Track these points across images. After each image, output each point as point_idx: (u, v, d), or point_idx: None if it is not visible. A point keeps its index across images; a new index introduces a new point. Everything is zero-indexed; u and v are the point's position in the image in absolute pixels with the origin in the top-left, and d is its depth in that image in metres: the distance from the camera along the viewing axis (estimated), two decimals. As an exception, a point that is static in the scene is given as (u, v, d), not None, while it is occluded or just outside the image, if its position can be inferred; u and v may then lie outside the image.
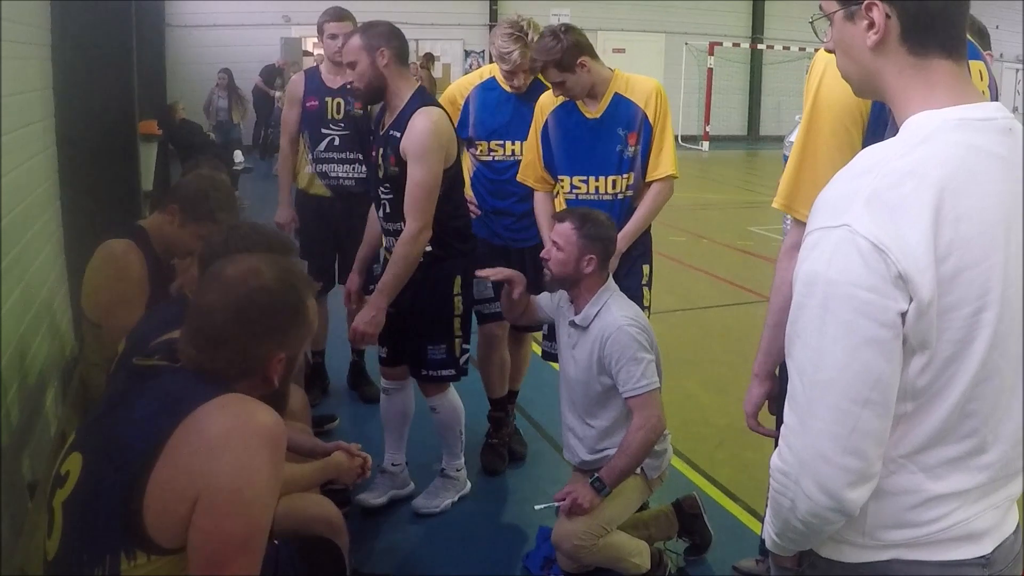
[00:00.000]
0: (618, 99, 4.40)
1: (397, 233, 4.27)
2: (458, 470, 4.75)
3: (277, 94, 18.74)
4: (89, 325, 3.93)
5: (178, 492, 2.06)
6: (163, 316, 3.27)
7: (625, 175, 4.40)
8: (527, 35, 4.61)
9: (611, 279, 3.96)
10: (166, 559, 2.10)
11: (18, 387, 3.50)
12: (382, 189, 4.36)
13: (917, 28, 1.67)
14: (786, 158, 3.03)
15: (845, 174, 1.67)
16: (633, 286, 4.48)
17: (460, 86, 5.07)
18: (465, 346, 4.49)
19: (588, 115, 4.41)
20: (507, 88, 4.84)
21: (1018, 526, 1.83)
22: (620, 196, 4.43)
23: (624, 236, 4.38)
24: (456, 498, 4.74)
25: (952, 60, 1.68)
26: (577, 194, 4.46)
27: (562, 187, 4.52)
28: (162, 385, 2.27)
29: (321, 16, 5.67)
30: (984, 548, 1.72)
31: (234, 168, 14.57)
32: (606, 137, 4.39)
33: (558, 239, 3.84)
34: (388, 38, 4.24)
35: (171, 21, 20.22)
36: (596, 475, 3.78)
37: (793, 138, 2.88)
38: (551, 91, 4.54)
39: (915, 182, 1.56)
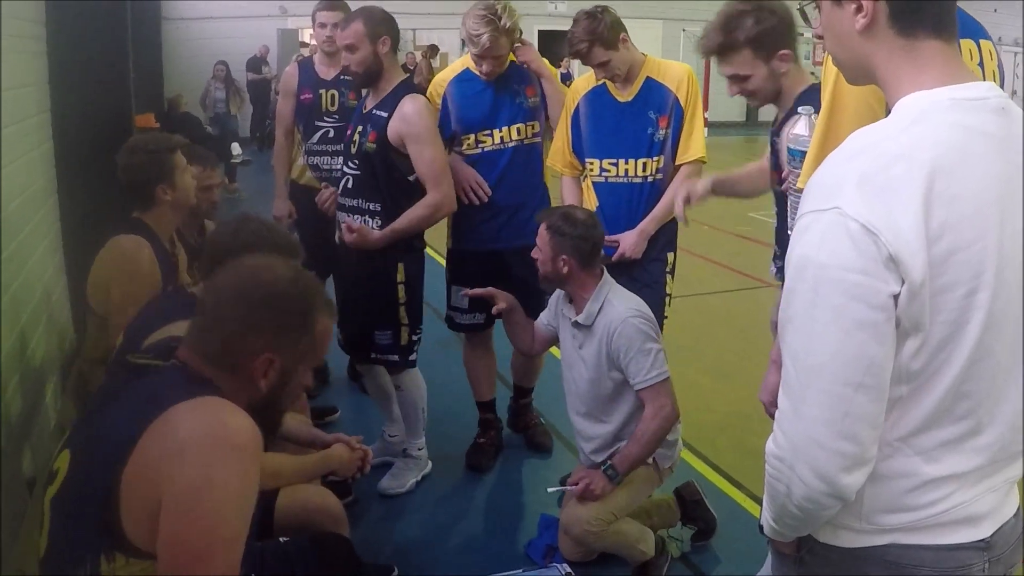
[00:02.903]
0: (650, 83, 4.44)
1: (353, 210, 4.45)
2: (420, 449, 4.83)
3: (269, 77, 18.91)
4: (94, 319, 3.92)
5: (145, 494, 2.02)
6: (160, 309, 3.27)
7: (655, 158, 4.42)
8: (500, 19, 4.46)
9: (606, 273, 3.93)
10: (145, 562, 2.05)
11: (17, 381, 3.49)
12: (349, 165, 4.49)
13: (905, 9, 1.65)
14: (790, 151, 2.99)
15: (837, 156, 1.65)
16: (656, 271, 4.51)
17: (436, 84, 4.90)
18: (414, 336, 4.56)
19: (620, 98, 4.44)
20: (483, 76, 4.72)
21: (1018, 509, 1.82)
22: (650, 179, 4.45)
23: (652, 219, 4.43)
24: (419, 477, 4.81)
25: (942, 40, 1.66)
26: (607, 177, 4.48)
27: (591, 170, 4.53)
28: (146, 383, 2.23)
29: (316, 6, 5.65)
30: (983, 531, 1.71)
31: (232, 160, 14.56)
32: (638, 120, 4.41)
33: (538, 240, 3.85)
34: (388, 26, 4.36)
35: (167, 14, 20.15)
36: (609, 463, 3.79)
37: (798, 130, 2.85)
38: (583, 76, 4.61)
39: (906, 164, 1.55)
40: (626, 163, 4.43)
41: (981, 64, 2.53)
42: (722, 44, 3.27)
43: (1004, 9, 24.32)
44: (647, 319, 3.80)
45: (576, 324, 3.91)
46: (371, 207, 4.41)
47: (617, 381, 3.82)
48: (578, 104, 4.55)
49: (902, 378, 1.61)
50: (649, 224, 4.40)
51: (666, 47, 25.36)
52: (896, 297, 1.53)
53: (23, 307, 3.76)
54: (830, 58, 2.48)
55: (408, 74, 4.60)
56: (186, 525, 2.01)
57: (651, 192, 4.46)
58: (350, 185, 4.48)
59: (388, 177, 4.33)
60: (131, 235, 3.80)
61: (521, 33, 4.72)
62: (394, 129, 4.27)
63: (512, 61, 4.71)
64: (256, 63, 19.79)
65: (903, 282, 1.52)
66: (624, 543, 3.88)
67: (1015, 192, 1.62)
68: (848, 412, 1.58)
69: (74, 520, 2.08)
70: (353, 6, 5.03)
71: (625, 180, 4.46)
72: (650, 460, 3.89)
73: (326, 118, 5.57)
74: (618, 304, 3.81)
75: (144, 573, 2.08)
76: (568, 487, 3.90)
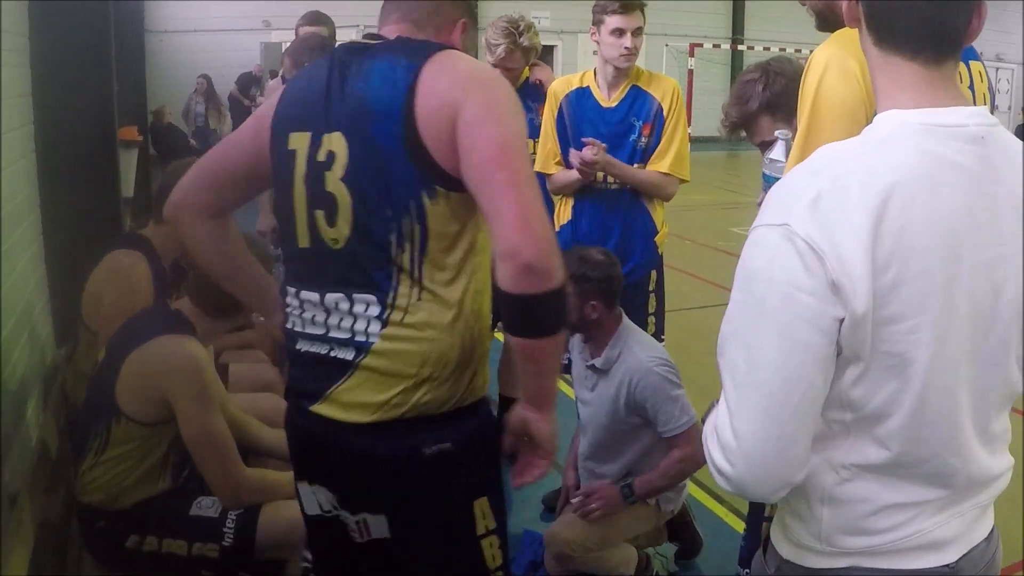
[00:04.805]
0: (636, 90, 4.45)
1: None
2: None
3: (247, 103, 18.71)
4: (86, 333, 3.91)
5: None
6: (143, 325, 3.27)
7: (637, 165, 4.42)
8: (520, 36, 4.58)
9: (625, 317, 3.86)
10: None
11: (-2, 397, 3.47)
12: None
13: (875, 22, 1.61)
14: (765, 176, 2.99)
15: (799, 170, 1.61)
16: (638, 291, 4.53)
17: None
18: None
19: (604, 104, 4.43)
20: None
21: (992, 531, 1.77)
22: (628, 185, 4.42)
23: (621, 168, 4.37)
24: None
25: (919, 63, 1.59)
26: (591, 183, 4.44)
27: None
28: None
29: (298, 20, 5.64)
30: (948, 557, 1.66)
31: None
32: (621, 126, 4.41)
33: None
34: (311, 52, 4.53)
35: (151, 27, 20.10)
36: (629, 480, 3.75)
37: (774, 155, 2.84)
38: (560, 79, 4.67)
39: (862, 187, 1.50)
40: None
41: (972, 87, 2.50)
42: (740, 117, 3.28)
43: (987, 24, 24.42)
44: (669, 365, 3.76)
45: (592, 367, 3.85)
46: None
47: (634, 425, 3.78)
48: (560, 105, 4.53)
49: (843, 404, 1.58)
50: (617, 167, 4.37)
51: (649, 61, 25.34)
52: (841, 322, 1.50)
53: (5, 321, 3.73)
54: (807, 79, 2.47)
55: None
56: None
57: (631, 199, 4.46)
58: None
59: None
60: (129, 250, 3.80)
61: (538, 52, 4.79)
62: None
63: (527, 79, 4.75)
64: (246, 81, 19.64)
65: (846, 308, 1.49)
66: (601, 567, 3.86)
67: (981, 225, 1.55)
68: (781, 434, 1.55)
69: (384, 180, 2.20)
70: (341, 20, 5.05)
71: (604, 186, 4.45)
72: (652, 501, 3.87)
73: None
74: (639, 352, 3.74)
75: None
76: (577, 496, 3.86)
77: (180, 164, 4.08)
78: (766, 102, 3.21)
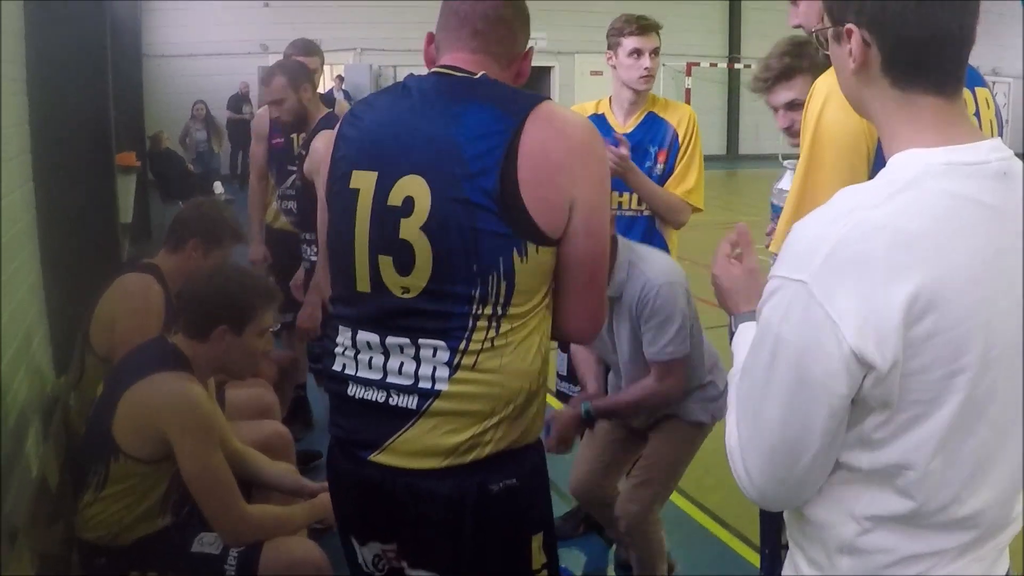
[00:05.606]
0: (651, 117, 4.46)
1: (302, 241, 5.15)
2: None
3: (247, 117, 18.77)
4: (95, 360, 3.89)
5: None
6: (140, 361, 3.25)
7: None
8: None
9: (622, 238, 3.71)
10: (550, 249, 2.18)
11: (-3, 429, 3.44)
12: (287, 201, 5.42)
13: (899, 61, 1.54)
14: (774, 207, 2.95)
15: (819, 215, 1.54)
16: None
17: None
18: None
19: (618, 129, 4.41)
20: None
21: (1008, 571, 1.72)
22: (645, 212, 4.40)
23: (640, 179, 4.30)
24: None
25: (943, 97, 1.54)
26: None
27: None
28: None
29: (288, 47, 5.60)
30: None
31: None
32: (636, 153, 4.34)
33: None
34: (308, 74, 4.91)
35: (148, 51, 20.15)
36: (590, 404, 3.69)
37: (783, 184, 2.81)
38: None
39: (887, 237, 1.43)
40: (620, 196, 4.35)
41: (977, 114, 2.47)
42: (789, 66, 3.24)
43: (981, 40, 24.52)
44: (678, 286, 3.60)
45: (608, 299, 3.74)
46: (307, 236, 5.04)
47: None
48: None
49: (863, 444, 1.54)
50: (637, 174, 4.28)
51: (646, 81, 25.44)
52: (852, 390, 1.47)
53: (4, 352, 3.70)
54: (809, 110, 2.43)
55: (328, 110, 5.03)
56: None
57: (646, 226, 4.41)
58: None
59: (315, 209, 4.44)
60: (140, 274, 3.84)
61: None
62: (307, 168, 4.68)
63: None
64: (237, 101, 19.72)
65: (869, 369, 1.44)
66: (655, 556, 3.85)
67: (1010, 267, 1.51)
68: (787, 478, 1.56)
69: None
70: (342, 44, 5.05)
71: (618, 212, 4.37)
72: (692, 418, 3.77)
73: (297, 162, 5.51)
74: (647, 270, 3.58)
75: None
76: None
77: (203, 201, 4.16)
78: (818, 64, 3.13)
